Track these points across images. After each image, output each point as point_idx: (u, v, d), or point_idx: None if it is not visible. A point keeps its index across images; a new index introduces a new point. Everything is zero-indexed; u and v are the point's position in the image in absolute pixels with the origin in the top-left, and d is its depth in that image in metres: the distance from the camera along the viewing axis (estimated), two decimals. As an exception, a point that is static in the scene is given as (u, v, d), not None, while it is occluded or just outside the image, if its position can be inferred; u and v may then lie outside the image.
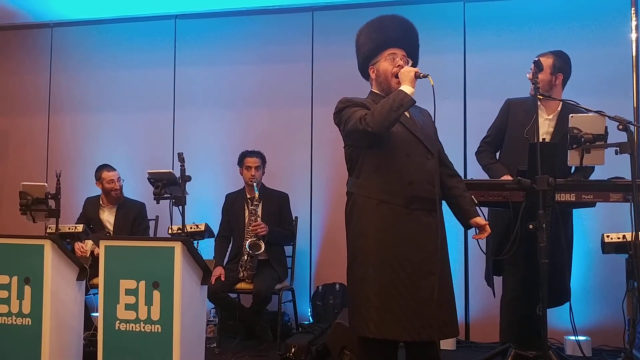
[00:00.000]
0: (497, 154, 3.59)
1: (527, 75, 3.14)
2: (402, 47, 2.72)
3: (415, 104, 2.60)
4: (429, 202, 2.61)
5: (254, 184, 4.27)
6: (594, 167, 3.15)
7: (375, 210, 2.62)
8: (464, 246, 4.51)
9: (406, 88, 2.56)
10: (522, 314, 3.13)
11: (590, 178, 3.21)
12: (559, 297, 3.22)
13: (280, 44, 5.06)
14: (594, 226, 4.12)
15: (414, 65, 2.77)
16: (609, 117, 2.70)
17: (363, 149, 2.68)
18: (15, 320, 3.25)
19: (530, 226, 2.57)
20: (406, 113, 2.67)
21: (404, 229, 2.58)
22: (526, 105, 3.41)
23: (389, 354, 2.64)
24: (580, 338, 3.80)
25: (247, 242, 4.16)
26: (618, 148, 2.58)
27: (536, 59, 2.90)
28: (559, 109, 3.35)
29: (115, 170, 4.62)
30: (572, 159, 2.77)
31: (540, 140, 2.85)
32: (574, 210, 3.37)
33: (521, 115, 3.40)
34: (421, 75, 2.57)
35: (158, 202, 3.43)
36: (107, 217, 4.63)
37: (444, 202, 2.78)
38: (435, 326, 2.55)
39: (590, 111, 2.74)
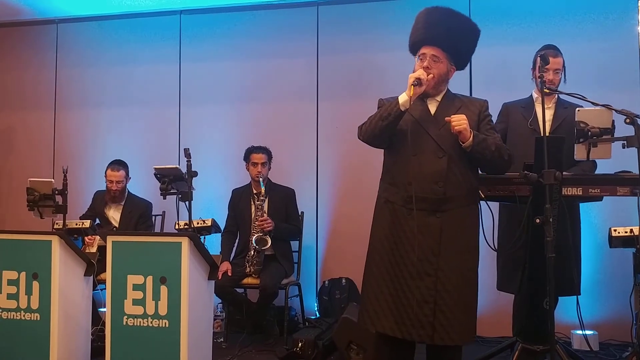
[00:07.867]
0: None
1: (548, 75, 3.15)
2: (436, 44, 2.60)
3: (467, 96, 2.61)
4: (432, 202, 2.55)
5: (260, 179, 4.28)
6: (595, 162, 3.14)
7: (382, 210, 2.68)
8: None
9: (401, 96, 2.54)
10: (529, 308, 3.12)
11: (595, 172, 3.20)
12: (565, 288, 3.21)
13: (285, 38, 5.05)
14: (601, 220, 4.11)
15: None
16: (615, 110, 2.68)
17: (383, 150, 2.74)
18: (24, 316, 3.26)
19: (537, 220, 2.56)
20: (430, 108, 2.65)
21: (403, 229, 2.58)
22: (523, 102, 3.54)
23: (402, 352, 2.66)
24: (588, 332, 3.80)
25: (254, 237, 4.16)
26: (625, 142, 2.57)
27: (542, 53, 2.89)
28: (556, 95, 3.42)
29: (120, 171, 4.55)
30: (579, 153, 2.76)
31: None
32: (581, 204, 3.36)
33: (520, 111, 3.50)
34: (412, 84, 2.50)
35: (165, 198, 3.43)
36: (113, 213, 4.65)
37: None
38: (429, 328, 2.50)
39: (597, 105, 2.72)
